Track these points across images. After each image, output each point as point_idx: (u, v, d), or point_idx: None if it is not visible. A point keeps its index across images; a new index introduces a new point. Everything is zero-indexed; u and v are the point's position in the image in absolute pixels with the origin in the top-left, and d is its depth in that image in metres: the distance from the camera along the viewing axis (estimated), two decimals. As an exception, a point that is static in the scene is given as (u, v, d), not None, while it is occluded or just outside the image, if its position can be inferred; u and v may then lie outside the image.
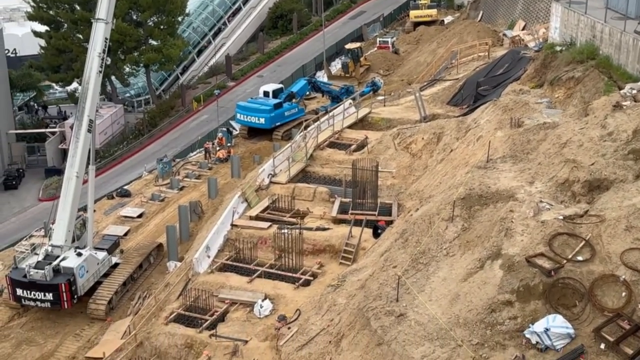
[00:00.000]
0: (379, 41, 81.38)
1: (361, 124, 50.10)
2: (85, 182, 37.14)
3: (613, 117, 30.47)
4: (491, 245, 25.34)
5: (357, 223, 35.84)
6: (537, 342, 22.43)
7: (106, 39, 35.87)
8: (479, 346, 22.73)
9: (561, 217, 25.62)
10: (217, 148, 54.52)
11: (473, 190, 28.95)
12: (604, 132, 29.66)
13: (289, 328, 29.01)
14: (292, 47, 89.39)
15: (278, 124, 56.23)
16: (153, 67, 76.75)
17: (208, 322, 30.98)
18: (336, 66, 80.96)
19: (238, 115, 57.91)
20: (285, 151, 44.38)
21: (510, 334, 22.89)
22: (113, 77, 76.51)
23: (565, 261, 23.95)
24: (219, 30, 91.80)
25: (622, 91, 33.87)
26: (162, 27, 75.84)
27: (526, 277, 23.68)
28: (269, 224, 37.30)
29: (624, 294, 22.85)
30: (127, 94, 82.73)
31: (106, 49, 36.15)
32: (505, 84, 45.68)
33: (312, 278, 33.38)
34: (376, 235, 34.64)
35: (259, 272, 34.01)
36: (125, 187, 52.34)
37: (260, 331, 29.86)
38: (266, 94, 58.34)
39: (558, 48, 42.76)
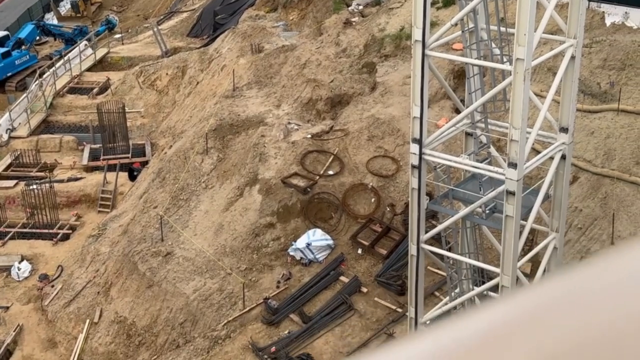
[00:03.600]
0: (108, -24, 77.63)
1: (101, 65, 48.03)
2: None
3: (345, 34, 31.93)
4: (248, 172, 25.86)
5: (111, 168, 34.77)
6: (301, 258, 23.52)
7: None
8: (247, 271, 23.37)
9: (309, 136, 26.70)
10: (-57, 108, 49.67)
11: (224, 120, 29.16)
12: (338, 49, 31.04)
13: (52, 286, 27.83)
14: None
15: (9, 74, 52.18)
16: None
17: (-39, 296, 28.78)
18: (65, 6, 76.24)
19: (-39, 70, 52.89)
20: (22, 102, 41.53)
21: (276, 254, 23.77)
22: None
23: (318, 177, 25.13)
24: None
25: (349, 8, 35.47)
26: None
27: (284, 198, 24.55)
28: (15, 181, 35.02)
29: (373, 199, 24.54)
30: None
31: None
32: (241, 10, 45.90)
33: (70, 231, 32.07)
34: (132, 178, 33.89)
35: (11, 233, 32.03)
36: None
37: (22, 294, 28.35)
38: (-10, 43, 53.71)
39: (287, -29, 43.54)
